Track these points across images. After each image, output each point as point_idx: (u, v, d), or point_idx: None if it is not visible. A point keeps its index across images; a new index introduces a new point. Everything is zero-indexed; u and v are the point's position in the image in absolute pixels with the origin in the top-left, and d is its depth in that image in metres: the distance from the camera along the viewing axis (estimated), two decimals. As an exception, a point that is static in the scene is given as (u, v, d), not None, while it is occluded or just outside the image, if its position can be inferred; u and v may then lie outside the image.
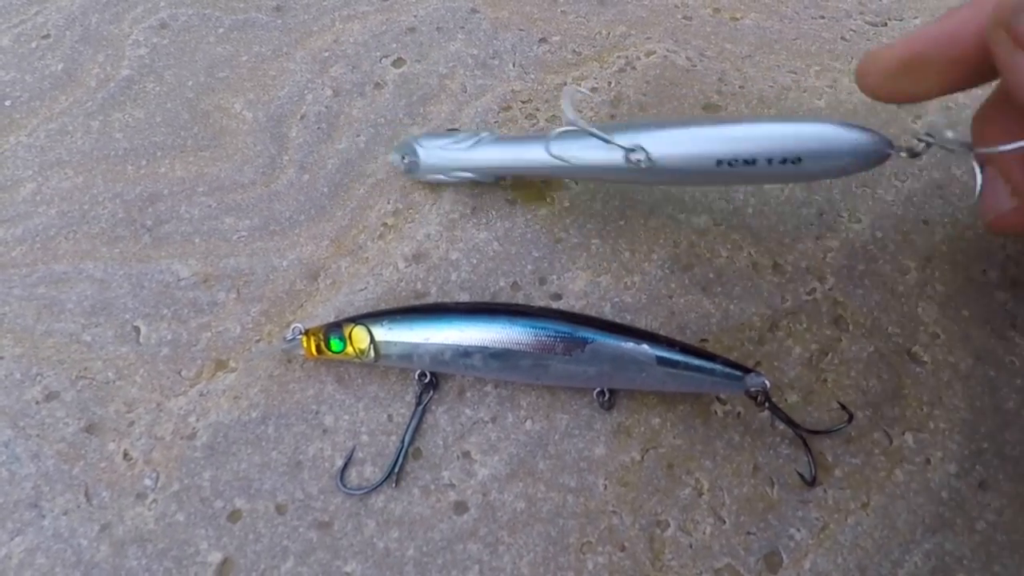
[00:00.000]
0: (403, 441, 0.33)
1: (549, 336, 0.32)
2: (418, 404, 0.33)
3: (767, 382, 0.31)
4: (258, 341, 0.36)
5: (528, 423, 0.34)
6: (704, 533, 0.31)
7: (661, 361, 0.31)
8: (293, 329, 0.34)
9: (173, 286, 0.37)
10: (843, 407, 0.33)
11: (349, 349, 0.33)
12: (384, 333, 0.33)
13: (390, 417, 0.34)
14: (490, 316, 0.33)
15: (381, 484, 0.32)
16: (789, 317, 0.36)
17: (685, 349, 0.32)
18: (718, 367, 0.31)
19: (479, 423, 0.34)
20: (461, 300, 0.37)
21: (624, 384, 0.33)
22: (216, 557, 0.31)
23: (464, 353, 0.32)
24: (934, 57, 0.25)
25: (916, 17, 0.48)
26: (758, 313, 0.36)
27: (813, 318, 0.36)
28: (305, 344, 0.33)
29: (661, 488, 0.32)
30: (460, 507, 0.32)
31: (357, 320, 0.33)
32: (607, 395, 0.33)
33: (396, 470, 0.32)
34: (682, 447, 0.33)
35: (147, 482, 0.32)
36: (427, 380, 0.34)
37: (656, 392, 0.34)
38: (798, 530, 0.31)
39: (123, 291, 0.37)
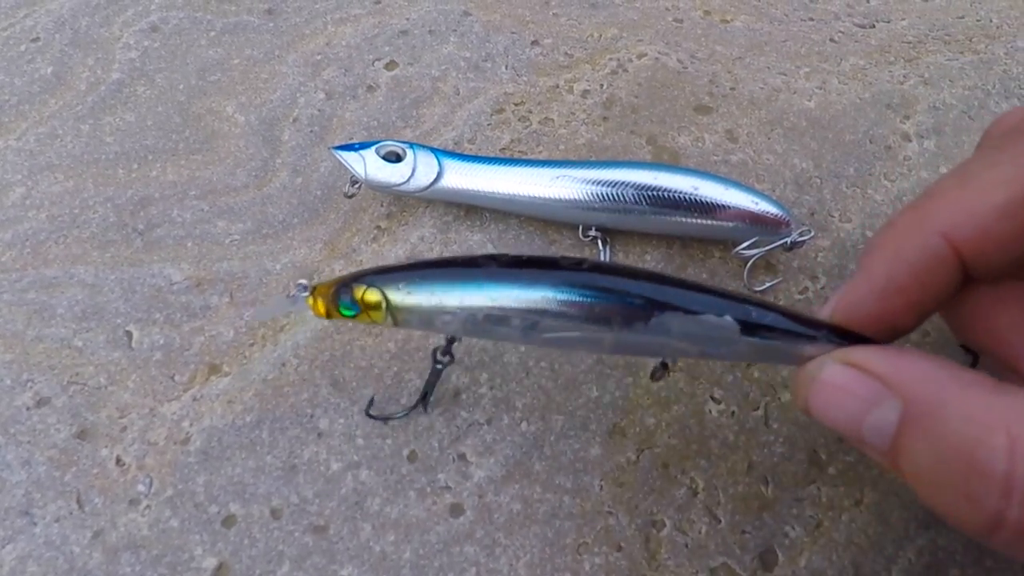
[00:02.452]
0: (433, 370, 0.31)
1: (603, 306, 0.26)
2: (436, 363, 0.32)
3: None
4: (251, 345, 0.36)
5: (523, 424, 0.34)
6: (700, 532, 0.32)
7: (748, 330, 0.25)
8: (299, 286, 0.30)
9: (165, 290, 0.37)
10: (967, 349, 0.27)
11: (363, 315, 0.29)
12: (402, 297, 0.28)
13: (385, 420, 0.34)
14: (530, 277, 0.26)
15: (411, 411, 0.32)
16: (782, 316, 0.36)
17: (781, 314, 0.25)
18: (823, 336, 0.25)
19: (474, 425, 0.34)
20: (469, 255, 0.34)
21: (698, 356, 0.28)
22: (211, 563, 0.31)
23: (498, 320, 0.26)
24: None
25: (903, 19, 0.48)
26: (751, 313, 0.36)
27: (805, 317, 0.36)
28: (311, 304, 0.29)
29: (656, 488, 0.32)
30: (456, 509, 0.32)
31: (370, 281, 0.28)
32: (670, 365, 0.29)
33: (429, 397, 0.32)
34: (677, 447, 0.33)
35: (140, 488, 0.32)
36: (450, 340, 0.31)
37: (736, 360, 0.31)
38: (793, 528, 0.32)
39: (115, 295, 0.37)
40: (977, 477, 0.17)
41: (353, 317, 0.29)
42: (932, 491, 0.19)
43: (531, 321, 0.26)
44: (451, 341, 0.31)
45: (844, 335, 0.24)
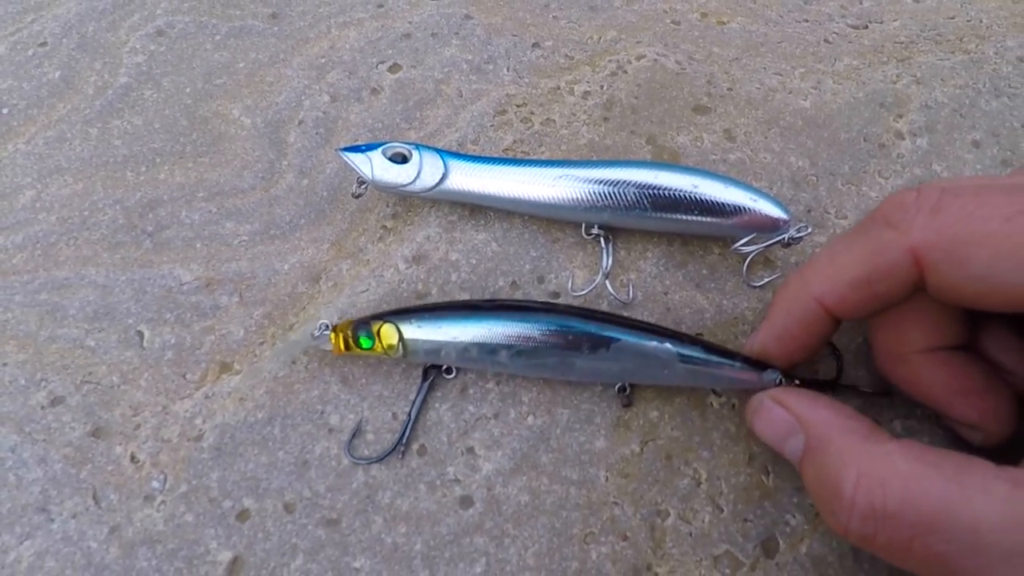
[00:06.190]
0: (409, 414, 0.34)
1: (575, 335, 0.32)
2: (424, 379, 0.35)
3: (782, 379, 0.32)
4: (261, 343, 0.36)
5: (530, 418, 0.34)
6: (703, 521, 0.32)
7: (683, 358, 0.32)
8: (320, 325, 0.34)
9: (176, 291, 0.38)
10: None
11: (377, 346, 0.33)
12: (413, 331, 0.33)
13: (394, 415, 0.34)
14: (518, 314, 0.33)
15: (388, 455, 0.33)
16: (780, 311, 0.37)
17: (706, 347, 0.33)
18: (738, 364, 0.32)
19: (482, 419, 0.34)
20: (467, 299, 0.37)
21: (646, 380, 0.34)
22: (226, 556, 0.31)
23: (491, 350, 0.33)
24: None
25: (895, 20, 0.50)
26: (751, 307, 0.37)
27: (803, 312, 0.37)
28: (333, 340, 0.34)
29: (660, 479, 0.33)
30: (466, 501, 0.33)
31: (385, 317, 0.34)
32: (628, 389, 0.34)
33: (404, 441, 0.33)
34: (680, 438, 0.34)
35: (155, 484, 0.33)
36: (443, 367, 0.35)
37: (674, 387, 0.35)
38: (793, 516, 0.32)
39: (125, 296, 0.37)
40: (835, 499, 0.25)
41: (370, 349, 0.33)
42: (816, 502, 0.27)
43: (518, 349, 0.32)
44: (447, 369, 0.35)
45: (754, 363, 0.32)
